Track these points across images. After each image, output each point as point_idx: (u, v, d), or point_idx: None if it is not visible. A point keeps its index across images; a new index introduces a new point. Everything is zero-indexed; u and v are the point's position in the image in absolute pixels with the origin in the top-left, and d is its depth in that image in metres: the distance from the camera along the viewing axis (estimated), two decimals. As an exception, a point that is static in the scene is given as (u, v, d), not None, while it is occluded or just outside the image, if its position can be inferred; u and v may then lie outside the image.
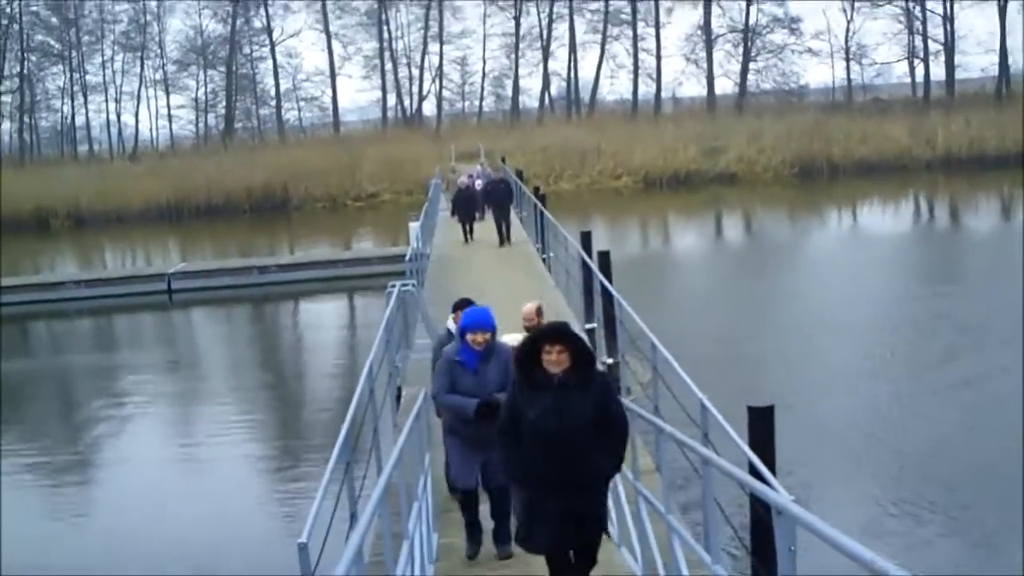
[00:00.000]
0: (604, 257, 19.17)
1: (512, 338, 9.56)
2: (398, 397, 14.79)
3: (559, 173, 63.87)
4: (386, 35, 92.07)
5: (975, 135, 63.65)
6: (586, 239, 22.33)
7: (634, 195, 61.25)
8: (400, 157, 65.04)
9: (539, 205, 30.06)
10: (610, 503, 8.10)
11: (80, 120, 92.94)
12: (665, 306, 25.22)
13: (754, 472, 6.80)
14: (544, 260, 27.32)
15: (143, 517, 15.16)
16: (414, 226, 29.06)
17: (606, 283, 16.30)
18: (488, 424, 7.86)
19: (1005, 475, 14.27)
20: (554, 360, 6.67)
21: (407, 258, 21.68)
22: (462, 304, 10.49)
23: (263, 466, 17.72)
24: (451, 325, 10.56)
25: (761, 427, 8.21)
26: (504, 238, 30.14)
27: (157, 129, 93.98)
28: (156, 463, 17.90)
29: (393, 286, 16.14)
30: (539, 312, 10.57)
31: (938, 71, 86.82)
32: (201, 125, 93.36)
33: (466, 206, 31.60)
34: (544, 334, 6.87)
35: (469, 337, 8.43)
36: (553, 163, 64.63)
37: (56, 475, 17.66)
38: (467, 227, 31.30)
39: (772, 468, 7.57)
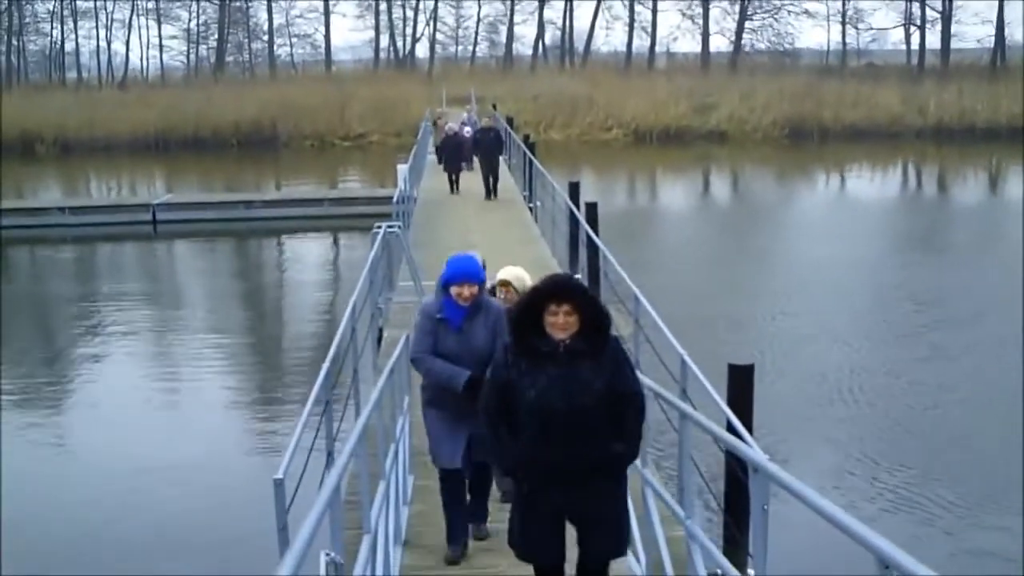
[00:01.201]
0: (591, 208, 19.21)
1: (512, 274, 8.52)
2: (379, 339, 14.83)
3: (549, 122, 63.77)
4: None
5: (967, 106, 63.64)
6: (574, 190, 22.39)
7: (624, 148, 61.17)
8: (390, 98, 64.81)
9: (528, 154, 30.02)
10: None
11: (69, 46, 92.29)
12: (648, 261, 25.23)
13: (731, 430, 6.85)
14: (531, 209, 27.32)
15: (118, 448, 15.10)
16: (402, 168, 28.96)
17: (592, 235, 16.34)
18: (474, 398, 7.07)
19: (964, 450, 14.39)
20: (560, 323, 5.47)
21: (394, 200, 21.61)
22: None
23: (240, 402, 17.68)
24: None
25: (740, 385, 8.25)
26: (491, 191, 28.61)
27: (147, 59, 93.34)
28: (132, 395, 17.80)
29: (379, 227, 16.13)
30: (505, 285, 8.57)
31: (934, 40, 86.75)
32: (192, 57, 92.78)
33: (453, 154, 30.13)
34: (549, 290, 5.57)
35: (454, 290, 7.32)
36: (544, 112, 64.52)
37: (31, 404, 17.54)
38: (453, 177, 29.92)
39: (749, 427, 7.63)
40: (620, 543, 5.80)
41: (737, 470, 7.50)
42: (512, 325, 5.66)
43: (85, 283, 28.33)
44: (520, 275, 8.55)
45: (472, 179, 30.14)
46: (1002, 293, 22.66)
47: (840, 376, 17.48)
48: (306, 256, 31.96)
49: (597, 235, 16.76)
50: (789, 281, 25.26)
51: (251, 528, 11.51)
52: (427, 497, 8.59)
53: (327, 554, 3.82)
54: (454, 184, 29.87)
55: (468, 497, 7.84)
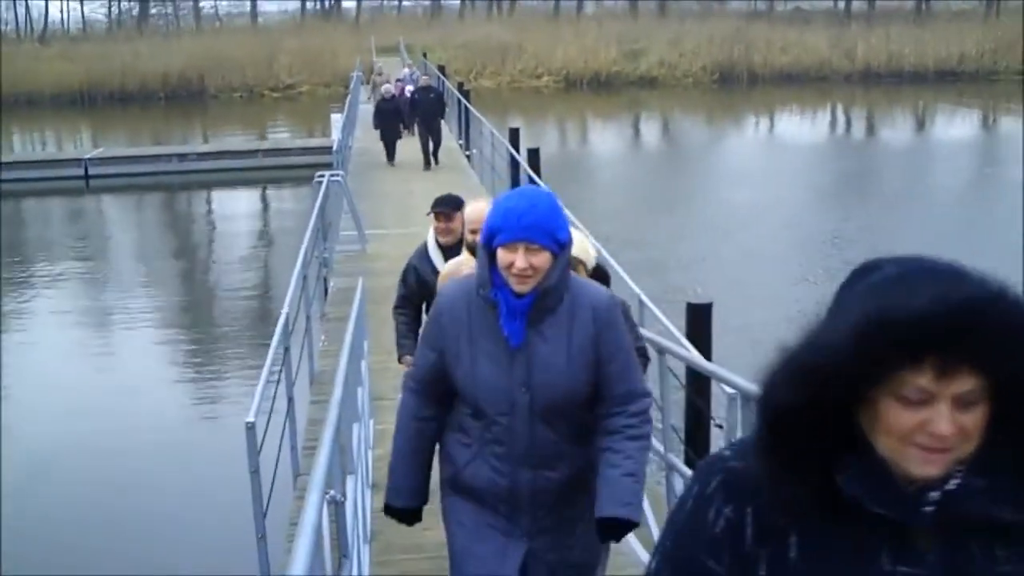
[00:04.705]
0: (533, 154, 19.25)
1: (576, 244, 4.30)
2: (325, 289, 14.86)
3: (480, 70, 63.67)
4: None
5: (894, 50, 64.31)
6: (514, 136, 22.42)
7: (554, 95, 61.24)
8: (319, 49, 64.39)
9: (464, 101, 29.95)
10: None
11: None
12: (587, 206, 25.32)
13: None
14: (467, 156, 27.30)
15: (62, 406, 14.84)
16: (337, 118, 28.79)
17: (537, 180, 16.40)
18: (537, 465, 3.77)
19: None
20: (945, 430, 1.69)
21: (334, 150, 21.52)
22: (447, 202, 7.03)
23: (177, 354, 17.51)
24: (430, 238, 7.08)
25: (699, 323, 8.37)
26: (430, 158, 25.57)
27: (68, 11, 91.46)
28: (66, 352, 17.48)
29: (322, 176, 16.09)
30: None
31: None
32: (114, 9, 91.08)
33: (390, 119, 26.18)
34: (932, 326, 1.64)
35: (502, 257, 3.56)
36: (474, 60, 64.45)
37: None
38: (391, 146, 26.42)
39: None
40: None
41: (700, 404, 7.62)
42: (766, 430, 1.82)
43: (16, 241, 27.93)
44: (585, 245, 5.18)
45: (409, 145, 26.95)
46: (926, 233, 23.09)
47: (777, 317, 17.70)
48: (241, 207, 31.71)
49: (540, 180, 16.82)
50: (719, 224, 25.43)
51: (209, 476, 11.57)
52: (389, 441, 8.60)
53: (327, 493, 3.88)
54: (391, 155, 26.56)
55: None
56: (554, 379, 3.63)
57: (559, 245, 3.57)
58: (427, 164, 25.47)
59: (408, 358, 6.57)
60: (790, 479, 1.79)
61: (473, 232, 5.50)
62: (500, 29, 71.23)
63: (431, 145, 25.71)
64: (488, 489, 3.77)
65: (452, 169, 25.31)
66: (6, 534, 10.52)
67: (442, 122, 27.25)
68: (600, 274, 5.42)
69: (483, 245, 3.66)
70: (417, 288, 6.92)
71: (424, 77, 29.78)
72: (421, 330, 4.10)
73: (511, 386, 3.63)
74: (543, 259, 3.53)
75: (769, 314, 17.84)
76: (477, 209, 5.70)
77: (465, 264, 5.44)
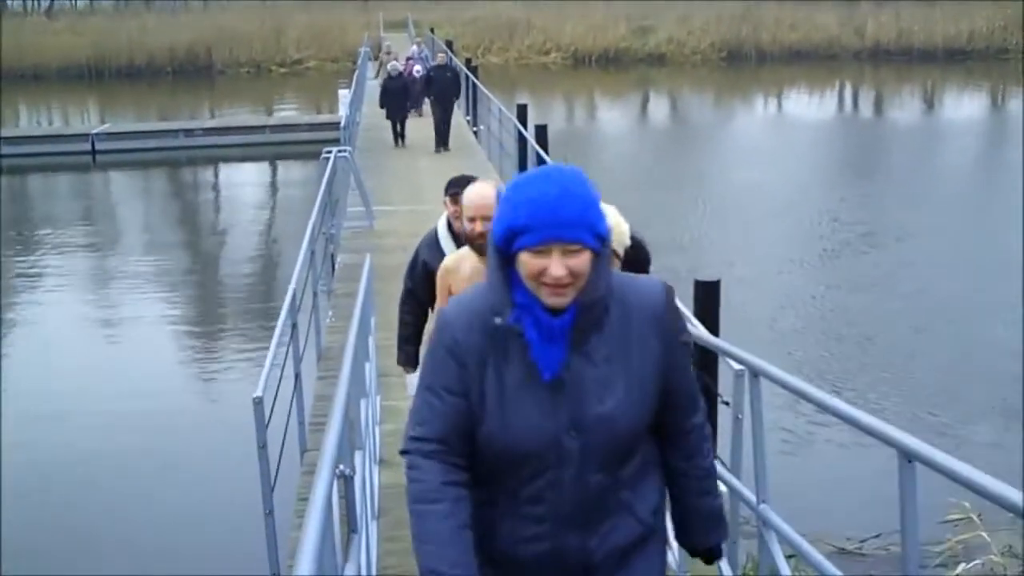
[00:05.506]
0: (541, 131, 19.20)
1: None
2: (332, 266, 14.87)
3: (487, 46, 63.46)
4: None
5: (904, 28, 63.98)
6: (522, 112, 22.33)
7: (562, 71, 61.02)
8: (326, 24, 64.21)
9: (471, 77, 29.87)
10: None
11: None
12: (595, 183, 25.22)
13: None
14: (475, 133, 27.23)
15: (61, 386, 14.80)
16: (344, 93, 28.71)
17: (545, 156, 16.36)
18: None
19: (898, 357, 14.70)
20: None
21: (341, 125, 21.47)
22: (463, 183, 5.50)
23: (185, 330, 17.51)
24: (441, 225, 6.23)
25: (707, 301, 8.34)
26: (442, 141, 24.27)
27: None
28: (72, 328, 17.45)
29: (329, 152, 16.07)
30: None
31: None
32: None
33: (398, 98, 25.07)
34: None
35: (528, 262, 2.72)
36: (481, 36, 64.21)
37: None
38: (398, 127, 25.33)
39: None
40: None
41: (707, 380, 7.60)
42: None
43: (23, 217, 27.94)
44: (616, 222, 4.55)
45: (420, 126, 26.20)
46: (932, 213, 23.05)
47: (783, 297, 17.70)
48: (248, 183, 31.68)
49: (548, 156, 16.77)
50: (724, 202, 25.37)
51: (217, 451, 11.62)
52: (395, 417, 8.64)
53: (337, 467, 3.90)
54: (398, 135, 25.45)
55: None
56: (614, 416, 2.83)
57: (601, 240, 2.78)
58: (438, 146, 24.21)
59: (412, 375, 6.19)
60: None
61: (472, 220, 4.86)
62: (508, 5, 70.91)
63: (444, 127, 24.34)
64: (527, 559, 2.96)
65: (459, 146, 24.73)
66: (7, 520, 10.52)
67: (456, 103, 25.60)
68: (637, 249, 4.73)
69: (497, 248, 2.79)
70: (424, 282, 6.12)
71: (440, 55, 27.78)
72: (421, 368, 3.05)
73: (556, 431, 2.82)
74: (583, 261, 2.72)
75: (770, 294, 17.90)
76: (481, 193, 4.88)
77: (467, 258, 4.88)
